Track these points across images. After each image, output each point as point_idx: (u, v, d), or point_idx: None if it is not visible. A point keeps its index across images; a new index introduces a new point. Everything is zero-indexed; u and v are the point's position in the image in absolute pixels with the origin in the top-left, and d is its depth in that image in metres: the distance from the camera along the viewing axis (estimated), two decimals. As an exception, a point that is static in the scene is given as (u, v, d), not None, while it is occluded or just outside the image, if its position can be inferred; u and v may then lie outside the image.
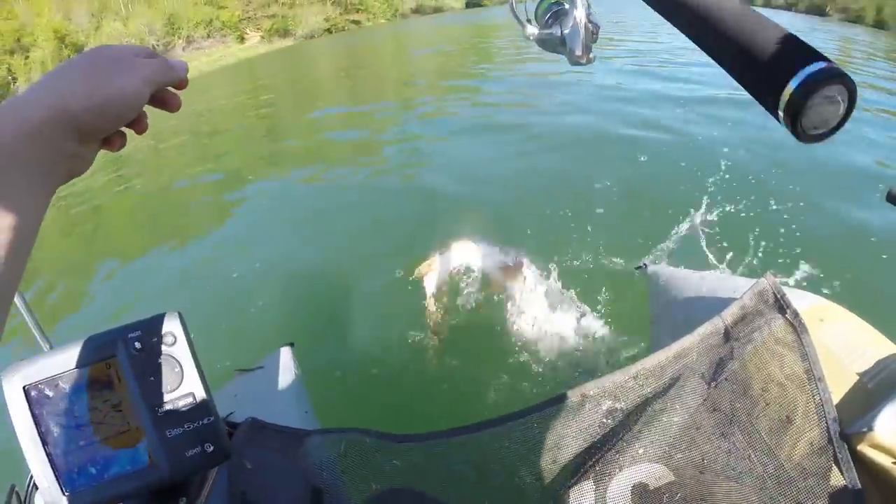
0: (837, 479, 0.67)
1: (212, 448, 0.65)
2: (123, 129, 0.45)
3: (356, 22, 33.97)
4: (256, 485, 0.76)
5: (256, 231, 4.25)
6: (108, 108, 0.41)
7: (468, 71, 11.86)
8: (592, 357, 2.15)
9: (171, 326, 0.66)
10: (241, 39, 30.05)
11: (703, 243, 2.86)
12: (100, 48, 0.44)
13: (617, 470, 0.71)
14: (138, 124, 0.46)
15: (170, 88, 0.48)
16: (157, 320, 0.66)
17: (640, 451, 0.72)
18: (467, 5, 41.57)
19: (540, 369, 2.13)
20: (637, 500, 0.69)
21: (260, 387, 1.13)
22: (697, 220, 3.06)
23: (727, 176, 4.02)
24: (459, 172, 4.73)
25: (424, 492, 0.74)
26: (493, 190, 4.11)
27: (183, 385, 0.65)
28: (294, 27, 30.90)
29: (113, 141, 0.45)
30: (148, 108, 0.46)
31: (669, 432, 0.74)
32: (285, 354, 1.23)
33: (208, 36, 28.41)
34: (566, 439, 0.73)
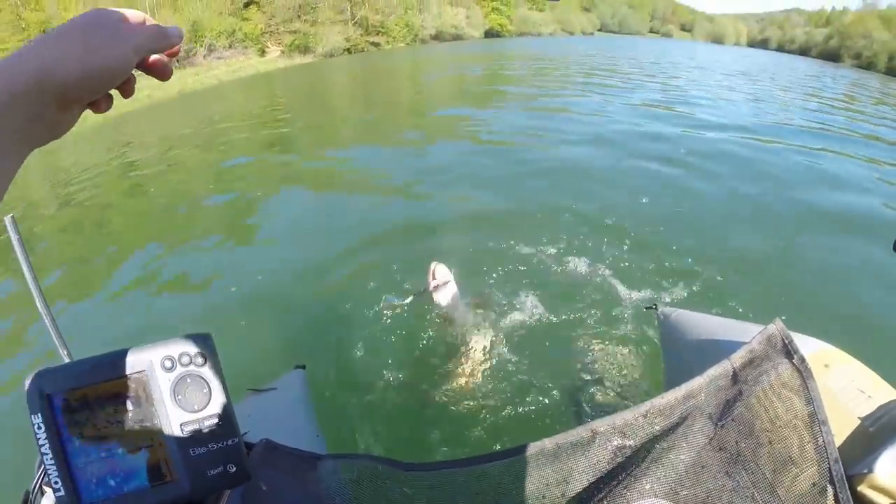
0: None
1: (234, 469, 0.66)
2: (112, 91, 0.45)
3: (375, 44, 34.59)
4: None
5: (268, 247, 4.24)
6: (93, 77, 0.41)
7: (484, 95, 12.03)
8: (604, 394, 2.15)
9: (202, 347, 0.67)
10: (262, 52, 30.61)
11: (711, 285, 2.88)
12: (93, 13, 0.44)
13: (624, 505, 0.72)
14: (125, 89, 0.46)
15: (163, 58, 0.48)
16: (188, 340, 0.67)
17: (647, 486, 0.73)
18: (486, 34, 42.28)
19: (551, 402, 2.12)
20: None
21: (272, 408, 1.13)
22: (702, 261, 3.09)
23: (737, 214, 4.03)
24: (472, 197, 4.74)
25: None
26: (501, 218, 4.13)
27: (210, 406, 0.66)
28: (315, 45, 31.49)
29: (99, 103, 0.45)
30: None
31: (676, 469, 0.75)
32: (297, 377, 1.23)
33: (230, 46, 28.90)
34: (575, 474, 0.74)
